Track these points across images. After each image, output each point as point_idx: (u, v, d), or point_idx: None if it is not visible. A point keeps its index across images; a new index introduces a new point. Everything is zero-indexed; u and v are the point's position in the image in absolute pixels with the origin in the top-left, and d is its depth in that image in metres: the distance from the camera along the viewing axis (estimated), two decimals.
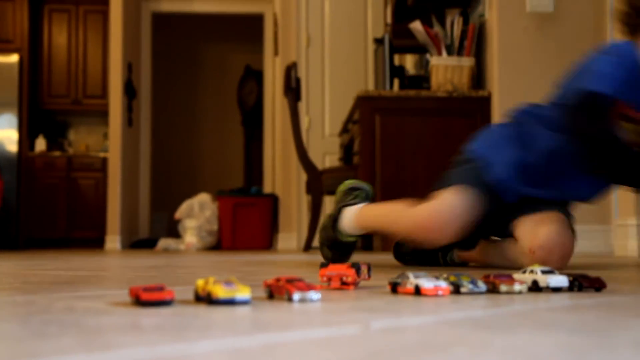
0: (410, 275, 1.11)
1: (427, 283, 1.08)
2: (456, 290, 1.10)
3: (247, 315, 0.84)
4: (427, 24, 4.40)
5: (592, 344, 0.63)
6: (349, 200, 2.14)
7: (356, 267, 1.21)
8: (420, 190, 4.18)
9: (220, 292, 0.93)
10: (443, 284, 1.08)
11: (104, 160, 7.09)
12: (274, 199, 6.73)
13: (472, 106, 4.21)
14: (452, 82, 4.23)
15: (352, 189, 2.16)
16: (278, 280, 1.04)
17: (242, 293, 0.94)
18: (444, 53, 4.30)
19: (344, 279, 1.20)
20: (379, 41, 4.90)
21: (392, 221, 2.01)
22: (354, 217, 2.08)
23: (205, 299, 0.95)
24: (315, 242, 5.95)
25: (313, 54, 6.40)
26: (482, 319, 0.81)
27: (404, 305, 0.95)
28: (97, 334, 0.68)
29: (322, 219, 2.29)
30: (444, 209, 1.86)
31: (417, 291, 1.08)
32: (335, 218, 2.12)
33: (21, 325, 0.75)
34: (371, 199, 2.17)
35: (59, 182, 7.11)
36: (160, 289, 0.94)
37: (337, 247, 2.15)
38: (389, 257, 3.16)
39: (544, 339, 0.66)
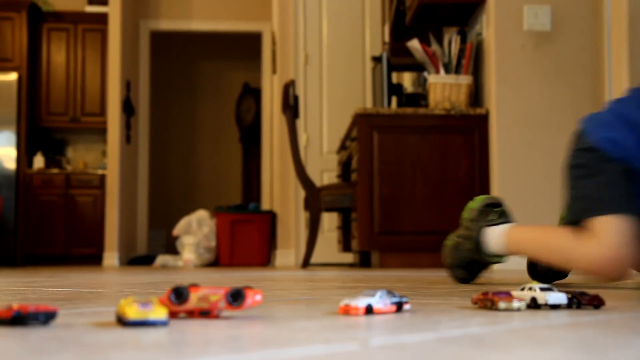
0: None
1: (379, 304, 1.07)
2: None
3: (247, 332, 0.84)
4: (425, 42, 4.42)
5: None
6: (491, 219, 2.07)
7: None
8: (418, 208, 4.19)
9: (132, 313, 0.87)
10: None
11: (102, 178, 7.09)
12: (272, 216, 6.73)
13: (470, 124, 4.23)
14: (450, 100, 4.25)
15: (490, 205, 2.09)
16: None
17: (157, 314, 0.88)
18: (442, 71, 4.32)
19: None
20: (376, 59, 4.92)
21: (555, 252, 1.91)
22: (504, 239, 2.03)
23: (119, 320, 0.90)
24: (314, 259, 5.94)
25: (311, 72, 6.43)
26: (480, 336, 0.81)
27: (403, 323, 0.95)
28: (96, 351, 0.68)
29: (453, 239, 2.18)
30: (615, 253, 1.73)
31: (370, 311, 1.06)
32: (476, 239, 2.07)
33: (19, 342, 0.75)
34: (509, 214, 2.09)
35: (57, 199, 7.10)
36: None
37: (472, 267, 2.13)
38: (388, 274, 3.15)
39: (543, 357, 0.66)
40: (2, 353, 0.68)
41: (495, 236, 2.05)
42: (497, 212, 2.09)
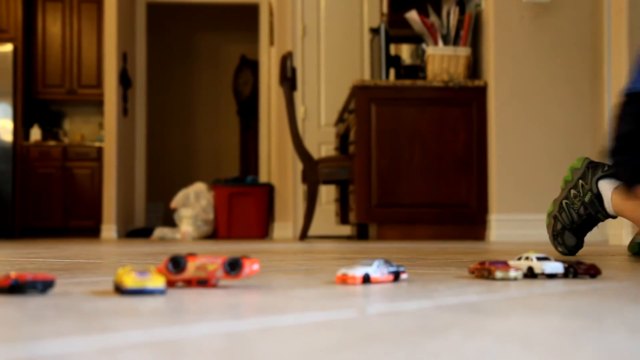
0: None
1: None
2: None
3: (245, 300, 0.85)
4: (423, 13, 4.40)
5: (586, 328, 0.63)
6: (606, 170, 1.92)
7: None
8: (416, 180, 4.19)
9: (130, 281, 0.88)
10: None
11: (100, 150, 7.08)
12: (269, 188, 6.73)
13: (468, 96, 4.22)
14: (448, 71, 4.23)
15: (593, 163, 1.96)
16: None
17: (154, 283, 0.88)
18: (440, 43, 4.29)
19: None
20: (374, 31, 4.89)
21: None
22: (612, 199, 1.91)
23: (117, 288, 0.90)
24: (312, 232, 5.95)
25: (309, 44, 6.39)
26: (477, 304, 0.82)
27: (400, 291, 0.96)
28: (94, 318, 0.68)
29: (556, 205, 2.02)
30: None
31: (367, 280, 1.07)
32: (593, 191, 1.92)
33: (18, 309, 0.76)
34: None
35: (55, 172, 7.10)
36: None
37: (582, 229, 1.97)
38: (386, 245, 3.17)
39: (539, 323, 0.66)
40: (2, 320, 0.68)
41: (609, 189, 1.93)
42: (607, 165, 1.94)
